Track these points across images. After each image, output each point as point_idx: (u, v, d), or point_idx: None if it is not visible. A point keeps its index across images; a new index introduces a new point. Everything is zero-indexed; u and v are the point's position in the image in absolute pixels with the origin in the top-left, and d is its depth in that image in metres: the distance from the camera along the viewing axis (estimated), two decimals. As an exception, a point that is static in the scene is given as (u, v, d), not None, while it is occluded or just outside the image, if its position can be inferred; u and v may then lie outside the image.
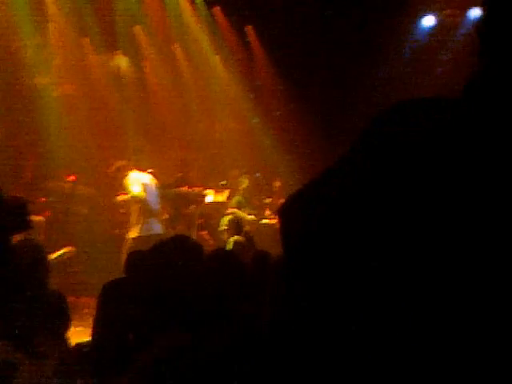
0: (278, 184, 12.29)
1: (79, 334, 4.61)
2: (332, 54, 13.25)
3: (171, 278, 2.91)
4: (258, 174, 12.80)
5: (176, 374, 2.32)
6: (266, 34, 14.00)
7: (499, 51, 1.16)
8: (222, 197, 12.17)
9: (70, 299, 7.22)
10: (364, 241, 1.06)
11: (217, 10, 14.04)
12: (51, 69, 12.39)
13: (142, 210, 9.93)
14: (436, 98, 1.18)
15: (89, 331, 3.61)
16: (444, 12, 13.88)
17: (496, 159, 1.06)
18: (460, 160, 1.07)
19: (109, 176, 10.50)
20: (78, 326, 4.92)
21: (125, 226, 10.43)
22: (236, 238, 8.34)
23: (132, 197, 9.91)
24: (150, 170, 11.01)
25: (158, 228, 10.07)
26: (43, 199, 11.00)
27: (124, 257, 9.69)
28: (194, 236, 10.88)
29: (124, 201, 10.26)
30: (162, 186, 10.86)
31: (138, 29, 13.38)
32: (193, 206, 11.66)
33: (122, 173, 10.04)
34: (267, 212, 12.04)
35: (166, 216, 10.79)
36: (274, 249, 6.63)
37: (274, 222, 11.52)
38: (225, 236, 9.44)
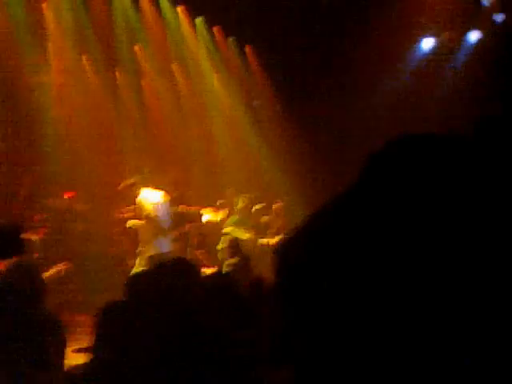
0: (278, 205, 12.25)
1: (72, 355, 4.58)
2: (332, 75, 13.28)
3: (168, 302, 2.90)
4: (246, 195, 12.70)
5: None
6: (265, 54, 14.06)
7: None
8: (218, 216, 12.14)
9: (65, 316, 7.19)
10: (369, 282, 1.05)
11: (217, 29, 14.11)
12: (50, 87, 12.42)
13: (155, 229, 9.89)
14: (441, 133, 1.17)
15: (82, 351, 3.58)
16: (443, 34, 13.97)
17: (506, 204, 1.05)
18: (468, 200, 1.06)
19: (117, 193, 10.49)
20: (71, 345, 4.87)
21: (120, 244, 10.42)
22: (232, 260, 8.30)
23: (145, 215, 9.87)
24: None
25: (167, 246, 10.04)
26: (39, 216, 10.98)
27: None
28: (189, 255, 10.87)
29: (133, 219, 10.20)
30: None
31: (137, 47, 13.42)
32: (189, 225, 11.65)
33: (133, 190, 10.02)
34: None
35: (177, 234, 10.73)
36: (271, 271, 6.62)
37: (272, 241, 11.50)
38: (222, 256, 9.42)
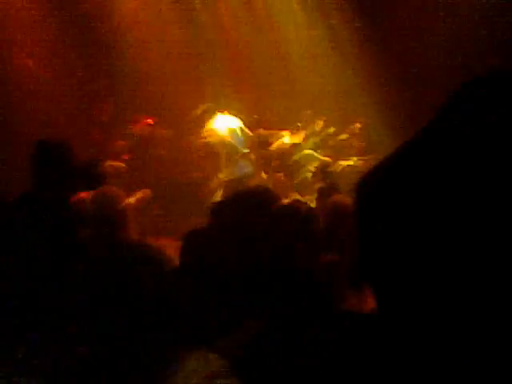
0: (357, 126, 12.13)
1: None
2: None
3: (251, 232, 2.95)
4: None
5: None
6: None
7: None
8: (297, 138, 12.12)
9: (149, 240, 7.36)
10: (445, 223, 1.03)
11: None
12: (126, 12, 12.47)
13: (230, 153, 9.99)
14: None
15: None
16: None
17: None
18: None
19: (193, 119, 10.57)
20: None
21: (203, 169, 10.52)
22: (322, 184, 8.26)
23: (220, 140, 9.96)
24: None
25: (247, 169, 10.13)
26: (121, 142, 11.14)
27: (218, 197, 9.89)
28: (270, 177, 10.94)
29: (209, 144, 10.31)
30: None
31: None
32: (268, 148, 11.68)
33: (207, 116, 10.10)
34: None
35: (255, 156, 10.77)
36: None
37: (351, 162, 11.45)
38: (311, 179, 9.38)
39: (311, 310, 2.76)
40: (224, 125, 10.01)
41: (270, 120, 12.27)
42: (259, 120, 11.79)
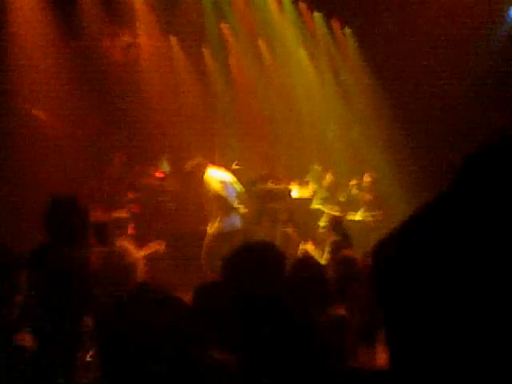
0: (368, 179, 12.15)
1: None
2: (420, 45, 13.08)
3: (261, 287, 2.96)
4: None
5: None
6: (353, 27, 13.99)
7: None
8: (307, 192, 12.15)
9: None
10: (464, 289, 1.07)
11: (302, 5, 14.06)
12: (139, 67, 12.62)
13: (221, 207, 10.05)
14: None
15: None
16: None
17: None
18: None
19: (186, 172, 10.65)
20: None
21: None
22: (335, 238, 8.23)
23: (212, 194, 10.04)
24: (235, 165, 11.12)
25: (237, 223, 10.18)
26: (132, 194, 11.18)
27: (204, 252, 9.94)
28: (278, 231, 10.95)
29: (203, 197, 10.38)
30: (249, 182, 10.97)
31: (224, 25, 13.49)
32: (278, 202, 11.69)
33: (199, 170, 10.19)
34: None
35: (245, 210, 10.82)
36: (363, 246, 6.63)
37: (359, 217, 11.48)
38: (323, 233, 9.37)
39: (321, 366, 2.75)
40: (216, 178, 10.08)
41: (279, 173, 12.31)
42: (269, 174, 11.82)
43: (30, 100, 11.10)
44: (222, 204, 10.03)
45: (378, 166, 12.49)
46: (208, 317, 3.08)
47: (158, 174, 11.72)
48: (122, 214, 10.14)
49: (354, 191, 12.13)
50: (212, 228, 10.10)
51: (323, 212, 11.31)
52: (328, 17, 14.19)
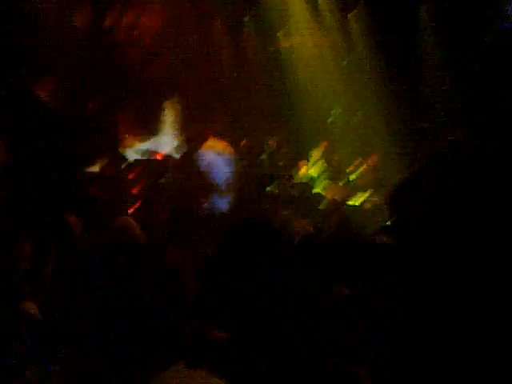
0: (372, 159, 12.17)
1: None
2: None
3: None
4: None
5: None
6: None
7: None
8: (311, 172, 12.11)
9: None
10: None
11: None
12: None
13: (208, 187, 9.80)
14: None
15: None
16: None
17: None
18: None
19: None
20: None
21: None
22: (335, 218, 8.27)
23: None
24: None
25: (222, 206, 9.86)
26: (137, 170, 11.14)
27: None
28: (278, 214, 10.96)
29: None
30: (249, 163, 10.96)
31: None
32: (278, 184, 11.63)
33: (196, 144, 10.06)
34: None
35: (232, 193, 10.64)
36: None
37: (366, 195, 11.47)
38: (323, 214, 9.40)
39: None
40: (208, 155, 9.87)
41: (287, 152, 12.33)
42: (275, 152, 11.83)
43: (39, 86, 11.10)
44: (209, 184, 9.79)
45: (385, 145, 12.50)
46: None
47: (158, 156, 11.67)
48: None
49: (358, 174, 12.15)
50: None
51: (324, 196, 11.32)
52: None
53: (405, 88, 12.97)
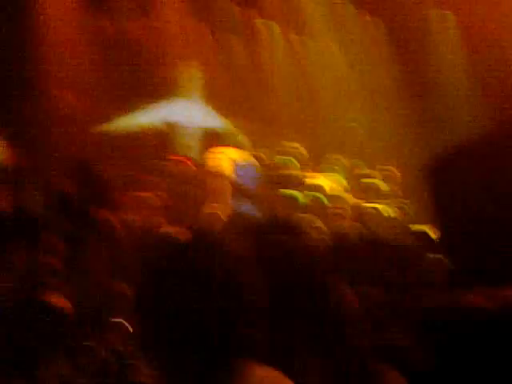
0: (388, 168, 12.12)
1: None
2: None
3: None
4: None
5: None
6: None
7: None
8: (324, 180, 12.07)
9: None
10: None
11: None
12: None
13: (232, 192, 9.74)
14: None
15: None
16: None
17: None
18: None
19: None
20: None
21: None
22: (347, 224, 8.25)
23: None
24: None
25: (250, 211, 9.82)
26: (156, 179, 11.08)
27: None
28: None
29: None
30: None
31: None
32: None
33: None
34: None
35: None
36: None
37: (379, 206, 11.42)
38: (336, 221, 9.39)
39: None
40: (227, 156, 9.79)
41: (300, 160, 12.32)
42: (289, 160, 11.80)
43: (58, 81, 11.18)
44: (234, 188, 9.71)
45: (400, 155, 12.48)
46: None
47: (181, 159, 11.58)
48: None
49: (376, 180, 12.10)
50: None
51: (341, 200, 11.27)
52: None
53: (423, 94, 12.98)
